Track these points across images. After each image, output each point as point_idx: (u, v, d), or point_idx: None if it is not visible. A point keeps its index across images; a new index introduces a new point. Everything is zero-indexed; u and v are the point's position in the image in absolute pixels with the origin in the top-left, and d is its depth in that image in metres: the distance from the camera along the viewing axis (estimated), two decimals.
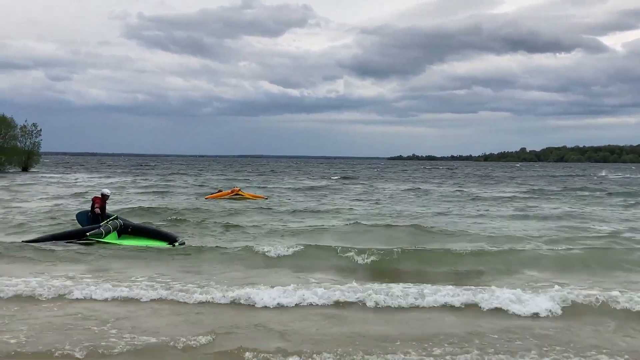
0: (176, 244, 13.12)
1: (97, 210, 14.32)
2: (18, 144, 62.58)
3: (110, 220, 13.71)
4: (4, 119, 61.70)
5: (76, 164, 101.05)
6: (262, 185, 39.97)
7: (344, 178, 54.94)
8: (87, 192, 29.06)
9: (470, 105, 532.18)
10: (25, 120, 65.38)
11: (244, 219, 18.56)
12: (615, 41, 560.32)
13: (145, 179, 47.42)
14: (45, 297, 8.17)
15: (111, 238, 13.30)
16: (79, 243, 12.89)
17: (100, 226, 13.29)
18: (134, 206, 21.52)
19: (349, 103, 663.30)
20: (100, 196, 14.85)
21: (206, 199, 27.15)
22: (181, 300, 8.07)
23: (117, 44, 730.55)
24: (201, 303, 7.96)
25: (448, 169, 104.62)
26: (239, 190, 27.87)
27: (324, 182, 45.64)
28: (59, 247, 12.54)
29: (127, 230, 13.83)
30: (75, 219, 15.49)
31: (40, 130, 64.09)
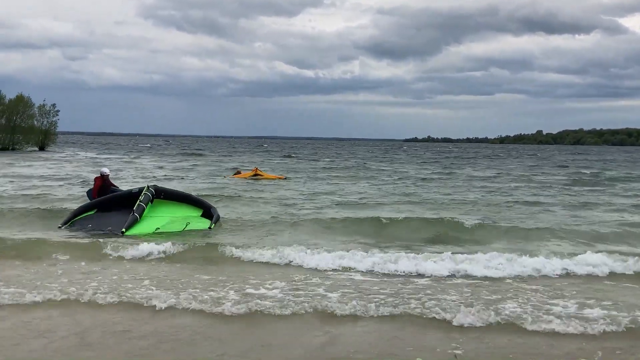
0: (213, 225, 12.58)
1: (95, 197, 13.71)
2: (35, 123, 63.17)
3: (141, 198, 12.75)
4: (22, 99, 62.27)
5: (96, 143, 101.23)
6: (293, 170, 38.17)
7: (367, 160, 53.68)
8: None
9: (487, 87, 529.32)
10: (44, 100, 65.95)
11: (331, 211, 15.78)
12: (634, 23, 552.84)
13: (170, 161, 47.38)
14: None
15: (147, 212, 12.69)
16: (115, 234, 11.60)
17: (133, 211, 12.25)
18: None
19: (365, 84, 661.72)
20: (100, 176, 14.43)
21: (228, 177, 27.60)
22: None
23: (132, 23, 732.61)
24: None
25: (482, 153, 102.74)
26: (257, 170, 28.12)
27: (347, 164, 44.80)
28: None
29: (159, 196, 13.37)
30: (86, 195, 15.46)
31: (58, 110, 64.77)
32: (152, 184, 14.38)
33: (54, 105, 64.47)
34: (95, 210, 12.88)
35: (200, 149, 76.70)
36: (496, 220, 14.19)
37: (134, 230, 11.89)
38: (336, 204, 17.32)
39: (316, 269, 8.92)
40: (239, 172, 29.14)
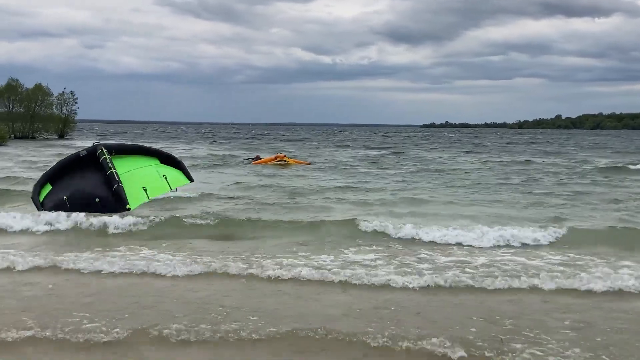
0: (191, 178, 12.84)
1: None
2: (54, 111, 63.35)
3: (109, 164, 11.61)
4: (40, 87, 62.60)
5: (120, 132, 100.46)
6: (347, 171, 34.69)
7: (396, 150, 48.62)
8: None
9: (505, 71, 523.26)
10: (64, 88, 66.03)
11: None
12: None
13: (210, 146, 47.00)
14: None
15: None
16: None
17: (118, 183, 11.34)
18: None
19: (382, 70, 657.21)
20: None
21: (253, 164, 27.22)
22: None
23: (149, 11, 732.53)
24: None
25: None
26: (284, 156, 27.68)
27: (377, 153, 41.91)
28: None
29: (111, 152, 12.13)
30: None
31: (77, 98, 64.91)
32: (96, 142, 12.94)
33: (72, 93, 64.71)
34: (51, 185, 11.87)
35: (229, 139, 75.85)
36: None
37: (132, 203, 11.32)
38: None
39: None
40: (258, 158, 28.82)
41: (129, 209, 11.16)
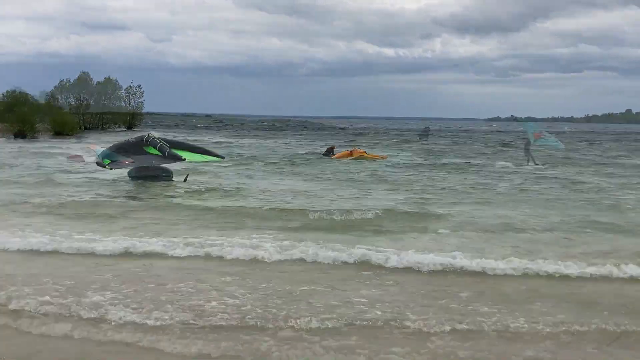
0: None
1: None
2: (122, 104, 64.29)
3: (158, 141, 16.51)
4: (110, 81, 63.75)
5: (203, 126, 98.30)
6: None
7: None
8: None
9: (575, 64, 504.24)
10: (132, 82, 66.99)
11: None
12: None
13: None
14: None
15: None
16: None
17: (169, 148, 16.23)
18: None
19: (446, 62, 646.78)
20: None
21: (332, 158, 26.84)
22: None
23: (213, 5, 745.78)
24: None
25: None
26: (364, 152, 27.30)
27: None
28: None
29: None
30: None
31: (144, 91, 65.68)
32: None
33: (139, 86, 65.43)
34: (112, 157, 15.82)
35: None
36: None
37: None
38: None
39: None
40: (332, 148, 28.46)
41: (184, 159, 16.12)
